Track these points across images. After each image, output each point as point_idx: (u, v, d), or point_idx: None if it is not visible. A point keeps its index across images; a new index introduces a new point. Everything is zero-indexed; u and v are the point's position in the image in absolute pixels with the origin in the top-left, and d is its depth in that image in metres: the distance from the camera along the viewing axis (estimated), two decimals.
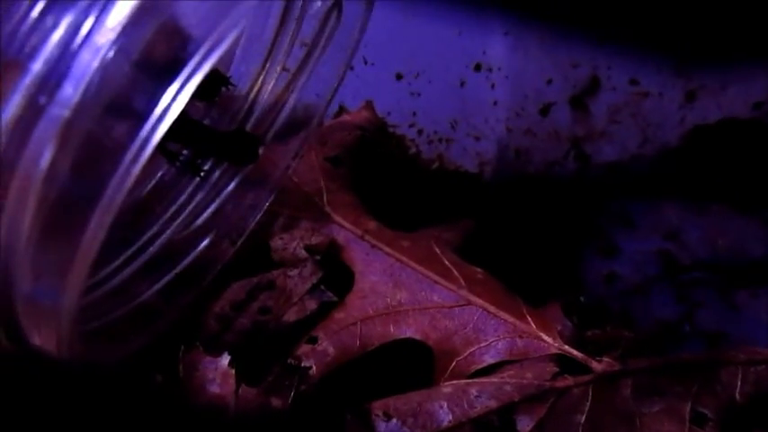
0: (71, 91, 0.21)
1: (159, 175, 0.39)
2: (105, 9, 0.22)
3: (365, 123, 0.50)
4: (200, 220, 0.39)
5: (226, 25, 0.24)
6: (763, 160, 0.52)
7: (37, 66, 0.21)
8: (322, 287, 0.40)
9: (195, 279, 0.37)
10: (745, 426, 0.34)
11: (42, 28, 0.22)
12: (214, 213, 0.39)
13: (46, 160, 0.22)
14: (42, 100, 0.21)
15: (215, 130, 0.39)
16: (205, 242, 0.39)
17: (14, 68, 0.22)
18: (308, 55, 0.38)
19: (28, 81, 0.21)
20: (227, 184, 0.40)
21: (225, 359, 0.35)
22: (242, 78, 0.39)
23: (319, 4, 0.36)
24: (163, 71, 0.23)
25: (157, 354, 0.34)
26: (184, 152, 0.38)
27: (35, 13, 0.22)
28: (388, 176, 0.51)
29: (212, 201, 0.39)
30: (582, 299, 0.44)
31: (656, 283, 0.49)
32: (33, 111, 0.21)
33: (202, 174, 0.39)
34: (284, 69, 0.39)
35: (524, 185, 0.55)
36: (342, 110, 0.54)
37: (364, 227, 0.42)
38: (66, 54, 0.21)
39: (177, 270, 0.37)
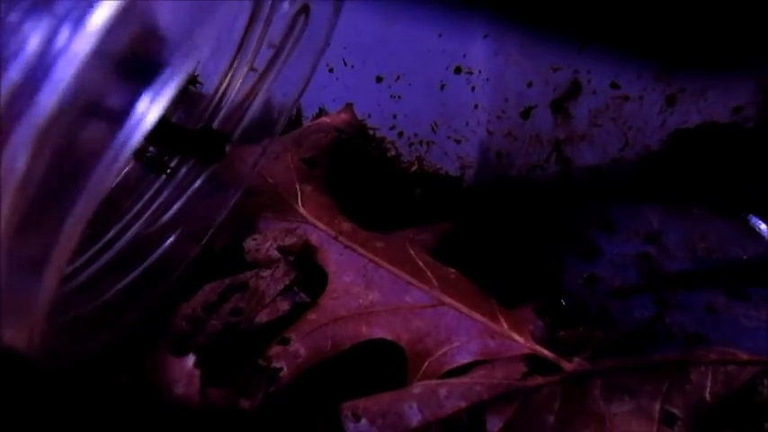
0: (47, 98, 0.21)
1: (126, 171, 0.38)
2: (83, 16, 0.21)
3: (344, 125, 0.50)
4: (166, 217, 0.39)
5: (204, 30, 0.23)
6: (743, 164, 0.52)
7: (14, 73, 0.21)
8: (295, 288, 0.39)
9: (161, 276, 0.37)
10: (714, 425, 0.34)
11: (20, 35, 0.21)
12: (181, 210, 0.39)
13: (22, 165, 0.21)
14: (18, 107, 0.21)
15: (182, 127, 0.39)
16: (171, 239, 0.39)
17: None
18: (276, 56, 0.38)
19: (4, 88, 0.21)
20: (194, 181, 0.40)
21: (190, 360, 0.34)
22: (210, 77, 0.39)
23: (287, 6, 0.36)
24: (140, 74, 0.23)
25: (124, 354, 0.34)
26: (151, 149, 0.38)
27: (12, 20, 0.22)
28: (366, 178, 0.51)
29: (179, 197, 0.39)
30: (562, 301, 0.44)
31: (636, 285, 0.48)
32: (10, 117, 0.21)
33: (168, 171, 0.39)
34: (252, 69, 0.39)
35: (506, 188, 0.55)
36: (321, 112, 0.54)
37: (338, 228, 0.42)
38: (44, 61, 0.21)
39: (143, 266, 0.36)
